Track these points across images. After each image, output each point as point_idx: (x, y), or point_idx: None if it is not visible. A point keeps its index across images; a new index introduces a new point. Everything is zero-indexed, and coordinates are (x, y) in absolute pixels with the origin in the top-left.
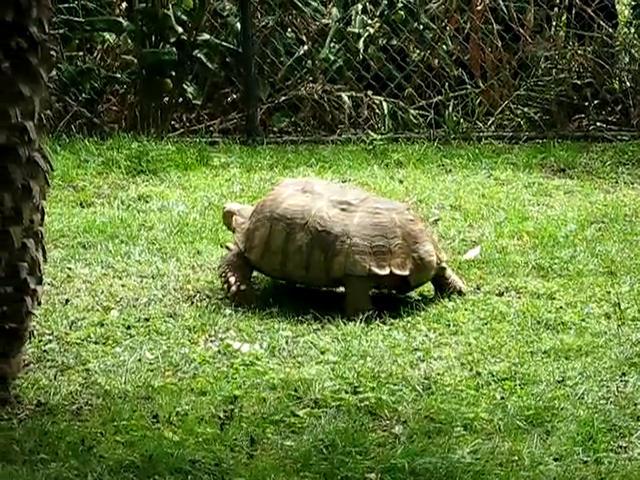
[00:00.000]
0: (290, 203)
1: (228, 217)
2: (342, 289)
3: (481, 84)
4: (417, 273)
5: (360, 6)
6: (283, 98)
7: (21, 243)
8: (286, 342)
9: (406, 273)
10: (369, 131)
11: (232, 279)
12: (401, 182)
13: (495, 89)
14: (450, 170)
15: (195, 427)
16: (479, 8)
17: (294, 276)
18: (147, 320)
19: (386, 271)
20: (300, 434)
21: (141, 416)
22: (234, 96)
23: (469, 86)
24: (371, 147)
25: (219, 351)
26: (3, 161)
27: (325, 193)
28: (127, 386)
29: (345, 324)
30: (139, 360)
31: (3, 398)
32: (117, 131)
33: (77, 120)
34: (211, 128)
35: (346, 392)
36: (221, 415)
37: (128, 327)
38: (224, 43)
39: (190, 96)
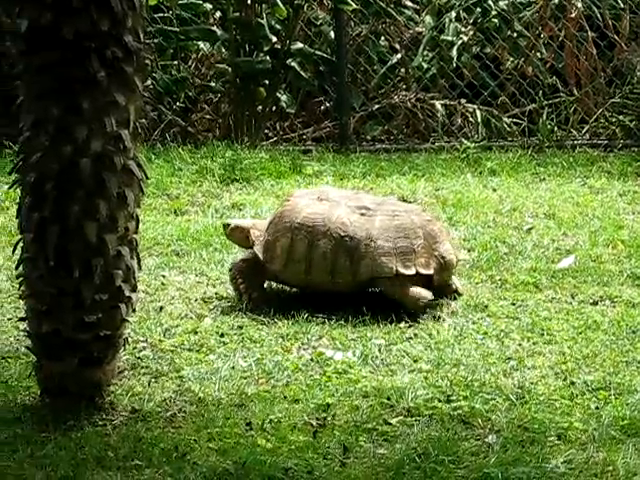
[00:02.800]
0: (309, 212)
1: (237, 232)
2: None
3: (575, 92)
4: (440, 272)
5: (454, 14)
6: (376, 106)
7: (116, 251)
8: (379, 350)
9: (431, 272)
10: (462, 139)
11: (242, 287)
12: (494, 190)
13: (590, 97)
14: (544, 178)
15: (288, 435)
16: (573, 15)
17: (319, 283)
18: (240, 328)
19: (412, 271)
20: (393, 442)
21: (234, 423)
22: (327, 104)
23: (563, 94)
24: (464, 155)
25: (312, 359)
26: (98, 169)
27: (341, 200)
28: (221, 393)
29: (438, 332)
30: (232, 368)
31: (98, 404)
32: (211, 140)
33: (171, 129)
34: (304, 136)
35: (439, 401)
36: (314, 423)
37: (221, 335)
38: (318, 52)
39: (283, 104)
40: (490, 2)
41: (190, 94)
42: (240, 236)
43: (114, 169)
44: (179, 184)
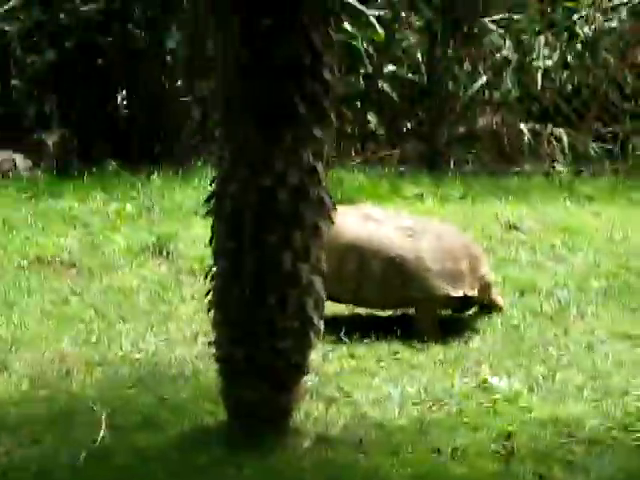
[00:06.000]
0: (357, 231)
1: None
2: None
3: None
4: (480, 293)
5: (542, 39)
6: (462, 129)
7: (308, 280)
8: (543, 378)
9: (474, 293)
10: (554, 164)
11: None
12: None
13: None
14: None
15: (478, 462)
16: None
17: (368, 301)
18: (396, 353)
19: (460, 292)
20: (586, 472)
21: (422, 449)
22: (415, 125)
23: None
24: (557, 179)
25: (477, 385)
26: (295, 201)
27: (385, 220)
28: (400, 419)
29: (593, 361)
30: (401, 393)
31: (285, 429)
32: None
33: None
34: (391, 156)
35: (617, 430)
36: (501, 451)
37: (379, 360)
38: (409, 75)
39: (372, 126)
40: (577, 28)
41: None
42: None
43: (309, 201)
44: None
